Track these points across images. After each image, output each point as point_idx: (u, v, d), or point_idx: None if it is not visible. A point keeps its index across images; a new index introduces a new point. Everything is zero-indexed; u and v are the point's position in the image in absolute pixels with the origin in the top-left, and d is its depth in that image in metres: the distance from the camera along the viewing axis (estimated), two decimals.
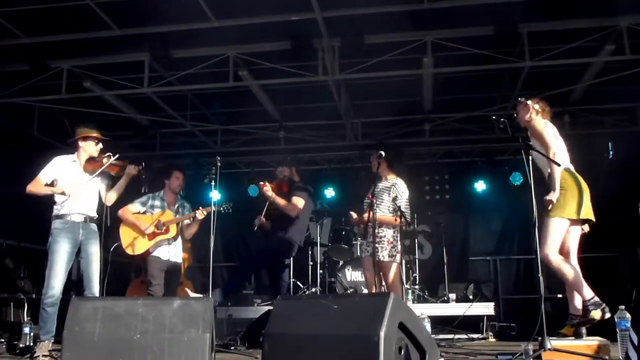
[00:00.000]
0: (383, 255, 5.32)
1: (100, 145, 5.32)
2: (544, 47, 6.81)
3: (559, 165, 4.45)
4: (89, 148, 5.27)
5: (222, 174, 5.69)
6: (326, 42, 6.96)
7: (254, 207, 9.82)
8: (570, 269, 4.41)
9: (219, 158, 5.60)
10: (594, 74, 7.42)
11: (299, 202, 6.38)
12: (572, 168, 4.62)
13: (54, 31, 6.76)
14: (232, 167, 10.50)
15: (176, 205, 6.21)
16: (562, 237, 4.46)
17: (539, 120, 4.73)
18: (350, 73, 7.29)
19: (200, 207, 6.04)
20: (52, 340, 4.84)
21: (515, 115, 4.93)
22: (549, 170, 4.52)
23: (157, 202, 6.14)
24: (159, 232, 5.98)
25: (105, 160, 5.22)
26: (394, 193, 5.43)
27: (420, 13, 6.36)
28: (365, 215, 5.33)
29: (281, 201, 6.36)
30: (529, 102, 4.81)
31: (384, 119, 9.30)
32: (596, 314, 4.26)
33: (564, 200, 4.44)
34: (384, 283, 5.44)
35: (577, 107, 8.26)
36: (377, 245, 5.25)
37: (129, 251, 5.94)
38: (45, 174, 5.15)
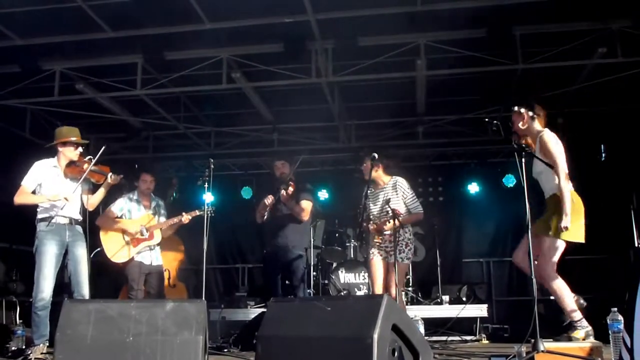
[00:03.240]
0: (402, 257, 5.26)
1: (80, 149, 5.22)
2: (536, 49, 6.84)
3: (569, 188, 4.38)
4: (69, 152, 5.17)
5: (215, 176, 5.66)
6: (319, 44, 6.96)
7: (247, 209, 9.87)
8: (566, 286, 4.40)
9: (212, 160, 5.57)
10: (587, 76, 7.45)
11: (308, 205, 6.11)
12: (572, 188, 4.52)
13: (47, 33, 6.74)
14: (226, 169, 10.47)
15: (152, 205, 6.21)
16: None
17: (549, 135, 4.58)
18: (344, 75, 7.29)
19: (184, 212, 6.06)
20: (47, 344, 4.79)
21: (511, 124, 4.85)
22: (556, 192, 4.46)
23: (134, 205, 6.13)
24: (143, 238, 5.97)
25: (85, 165, 5.13)
26: (400, 191, 5.42)
27: (413, 15, 6.36)
28: (390, 225, 5.25)
29: (294, 205, 6.03)
30: (522, 110, 4.73)
31: (377, 121, 9.29)
32: (579, 334, 4.27)
33: (573, 224, 4.36)
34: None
35: (570, 109, 8.28)
36: (393, 246, 5.20)
37: (115, 259, 5.89)
38: (29, 182, 5.05)
